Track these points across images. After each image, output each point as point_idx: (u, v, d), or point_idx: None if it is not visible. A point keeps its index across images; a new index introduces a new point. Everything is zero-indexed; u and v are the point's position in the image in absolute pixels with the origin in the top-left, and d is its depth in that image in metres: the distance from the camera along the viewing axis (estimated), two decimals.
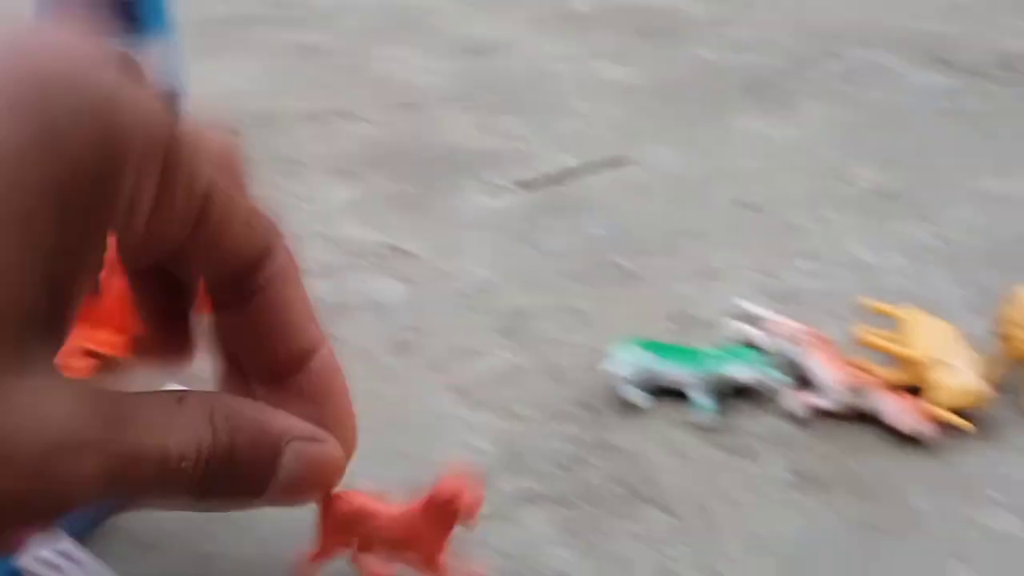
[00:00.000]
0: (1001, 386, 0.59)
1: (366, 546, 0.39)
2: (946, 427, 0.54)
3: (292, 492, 0.31)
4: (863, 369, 0.57)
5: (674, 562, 0.44)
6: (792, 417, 0.54)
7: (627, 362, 0.56)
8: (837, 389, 0.54)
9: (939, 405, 0.53)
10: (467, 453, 0.51)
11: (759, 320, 0.61)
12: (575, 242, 0.76)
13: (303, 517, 0.43)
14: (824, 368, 0.55)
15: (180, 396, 0.30)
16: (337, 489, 0.37)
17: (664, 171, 0.91)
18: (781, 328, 0.59)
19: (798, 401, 0.54)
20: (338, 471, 0.34)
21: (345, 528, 0.38)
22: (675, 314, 0.66)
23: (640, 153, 0.95)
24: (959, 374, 0.54)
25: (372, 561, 0.41)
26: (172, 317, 0.34)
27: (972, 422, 0.55)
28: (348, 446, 0.35)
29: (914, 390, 0.55)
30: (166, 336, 0.34)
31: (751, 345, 0.59)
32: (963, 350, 0.57)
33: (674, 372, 0.56)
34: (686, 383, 0.55)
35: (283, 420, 0.31)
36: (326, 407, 0.33)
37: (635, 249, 0.75)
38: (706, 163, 0.93)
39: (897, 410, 0.53)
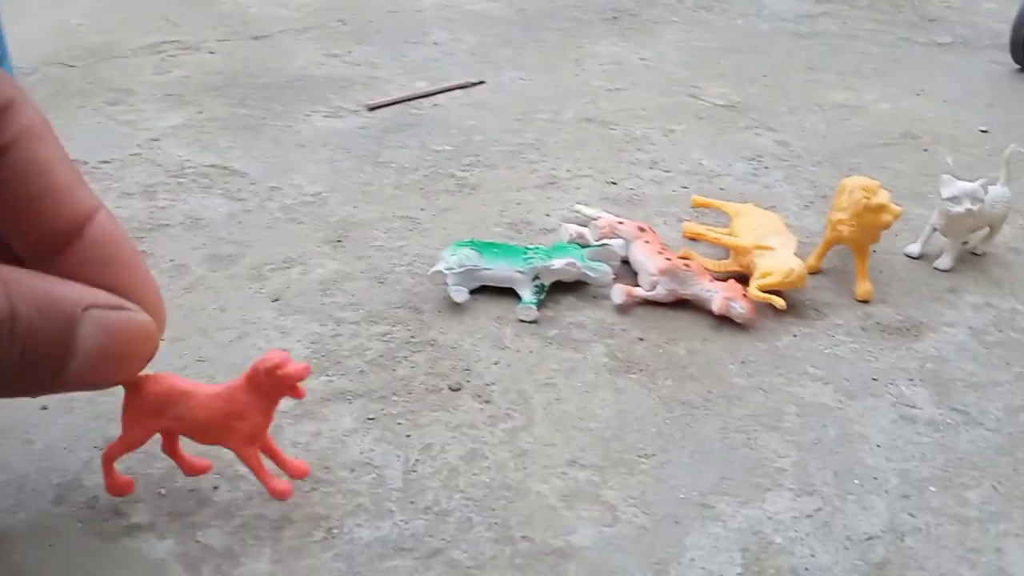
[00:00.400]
0: (825, 270, 0.60)
1: (181, 429, 0.36)
2: (767, 309, 0.55)
3: (100, 366, 0.29)
4: (688, 259, 0.57)
5: (485, 445, 0.43)
6: (615, 308, 0.54)
7: (452, 261, 0.54)
8: (659, 278, 0.54)
9: (760, 288, 0.54)
10: None
11: (591, 220, 0.60)
12: (416, 157, 0.74)
13: (84, 424, 0.41)
14: (646, 258, 0.55)
15: None
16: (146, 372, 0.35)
17: (515, 93, 0.89)
18: (608, 224, 0.58)
19: (620, 292, 0.54)
20: (149, 340, 0.31)
21: (157, 410, 0.36)
22: (514, 221, 0.64)
23: (493, 77, 0.93)
24: (780, 257, 0.55)
25: (187, 455, 0.39)
26: None
27: (793, 304, 0.56)
28: (157, 314, 0.32)
29: (744, 280, 0.56)
30: None
31: (580, 243, 0.58)
32: (788, 237, 0.58)
33: (498, 269, 0.54)
34: (511, 279, 0.54)
35: (76, 289, 0.28)
36: (119, 276, 0.30)
37: (477, 163, 0.73)
38: (558, 85, 0.92)
39: (716, 294, 0.53)
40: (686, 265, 0.54)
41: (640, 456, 0.43)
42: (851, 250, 0.58)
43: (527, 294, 0.54)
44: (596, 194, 0.69)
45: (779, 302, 0.53)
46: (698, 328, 0.53)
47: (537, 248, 0.56)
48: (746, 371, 0.49)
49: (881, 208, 0.55)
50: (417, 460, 0.41)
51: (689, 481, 0.41)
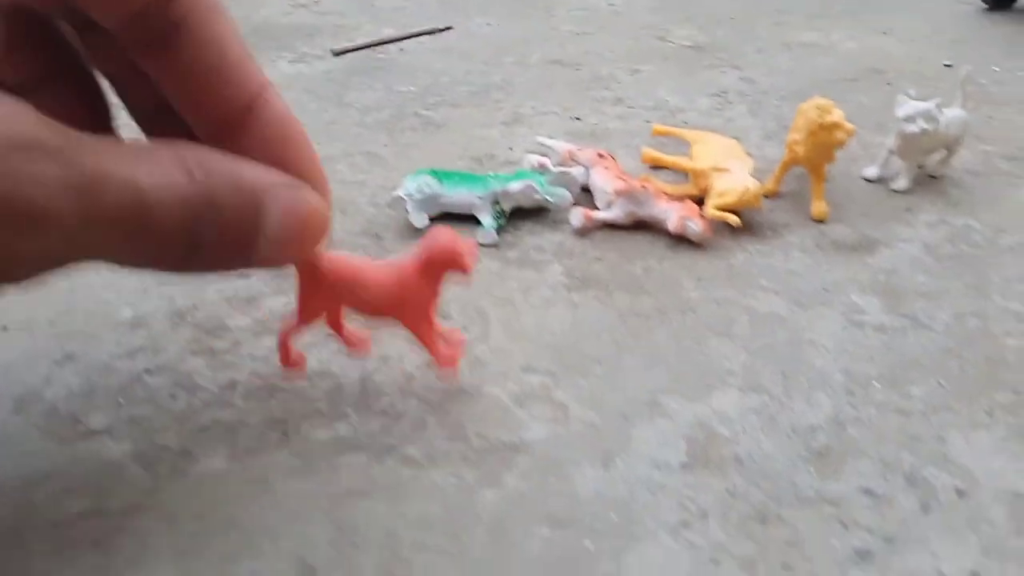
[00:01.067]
0: (783, 194, 0.61)
1: (354, 305, 0.38)
2: (724, 229, 0.55)
3: (282, 245, 0.29)
4: (647, 183, 0.57)
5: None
6: (575, 231, 0.55)
7: (411, 187, 0.55)
8: (615, 198, 0.55)
9: (716, 207, 0.54)
10: (231, 287, 0.49)
11: (552, 150, 0.61)
12: (381, 98, 0.74)
13: (44, 344, 0.41)
14: (604, 182, 0.56)
15: (144, 143, 0.26)
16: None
17: (483, 38, 0.90)
18: (567, 151, 0.59)
19: (579, 215, 0.55)
20: (323, 219, 0.31)
21: (330, 289, 0.37)
22: (477, 156, 0.65)
23: (461, 24, 0.93)
24: (736, 178, 0.56)
25: (350, 328, 0.41)
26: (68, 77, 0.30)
27: (750, 224, 0.56)
28: (325, 193, 0.32)
29: (702, 203, 0.56)
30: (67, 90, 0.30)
31: (541, 170, 0.59)
32: (746, 160, 0.59)
33: (459, 195, 0.55)
34: (471, 204, 0.55)
35: (258, 169, 0.28)
36: (290, 155, 0.30)
37: (443, 102, 0.74)
38: (527, 31, 0.92)
39: (672, 214, 0.54)
40: (643, 187, 0.55)
41: (593, 361, 0.43)
42: (808, 171, 0.59)
43: (487, 219, 0.54)
44: (560, 129, 0.70)
45: (734, 219, 0.54)
46: (655, 248, 0.54)
47: (497, 175, 0.56)
48: (700, 286, 0.50)
49: (835, 126, 0.56)
50: (375, 369, 0.42)
51: (640, 383, 0.42)
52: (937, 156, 0.64)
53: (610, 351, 0.44)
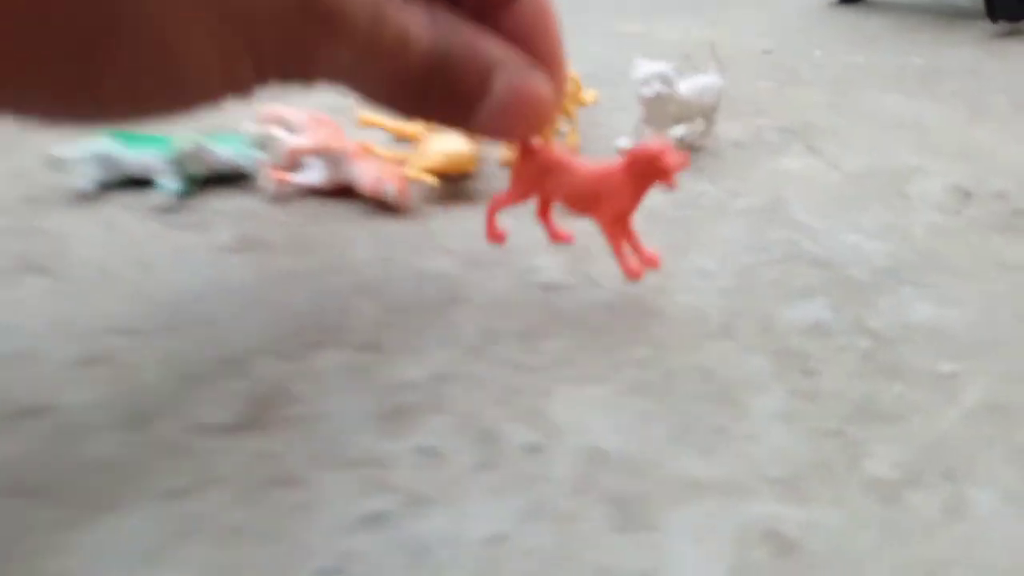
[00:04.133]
0: (504, 161, 0.57)
1: (558, 196, 0.40)
2: (440, 197, 0.51)
3: (500, 119, 0.31)
4: (366, 149, 0.53)
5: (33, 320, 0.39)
6: (272, 196, 0.50)
7: (83, 149, 0.50)
8: (309, 157, 0.50)
9: (423, 168, 0.50)
10: None
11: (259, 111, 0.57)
12: None
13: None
14: (304, 145, 0.52)
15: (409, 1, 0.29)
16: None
17: None
18: (273, 112, 0.54)
19: (273, 179, 0.50)
20: (547, 109, 0.33)
21: (541, 176, 0.40)
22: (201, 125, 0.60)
23: None
24: (451, 140, 0.52)
25: (556, 222, 0.44)
26: None
27: (472, 193, 0.52)
28: (559, 89, 0.34)
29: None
30: None
31: (244, 134, 0.55)
32: None
33: (138, 158, 0.50)
34: (151, 168, 0.50)
35: (497, 46, 0.31)
36: (540, 46, 0.33)
37: None
38: None
39: (368, 176, 0.49)
40: (337, 147, 0.51)
41: (205, 322, 0.39)
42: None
43: (169, 182, 0.50)
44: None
45: (431, 179, 0.49)
46: (352, 213, 0.50)
47: (189, 136, 0.52)
48: (376, 247, 0.46)
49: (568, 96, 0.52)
50: None
51: (238, 341, 0.37)
52: (697, 128, 0.61)
53: (225, 309, 0.40)
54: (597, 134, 0.63)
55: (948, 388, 0.35)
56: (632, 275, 0.40)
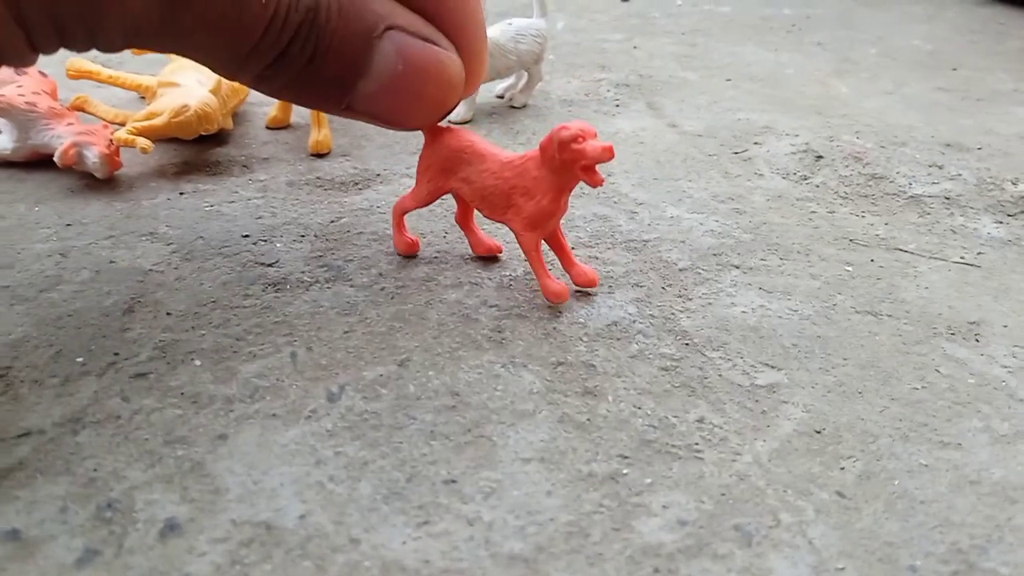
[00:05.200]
0: (300, 124, 0.47)
1: (467, 194, 0.32)
2: (186, 163, 0.41)
3: (389, 95, 0.27)
4: (82, 108, 0.42)
5: None
6: None
7: None
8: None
9: (138, 130, 0.39)
10: None
11: None
12: None
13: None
14: None
15: None
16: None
17: None
18: None
19: None
20: (449, 86, 0.28)
21: (449, 167, 0.32)
22: None
23: None
24: (184, 95, 0.41)
25: (480, 231, 0.35)
26: None
27: (219, 161, 0.42)
28: (472, 65, 0.28)
29: None
30: None
31: None
32: (215, 77, 0.44)
33: None
34: None
35: (388, 7, 0.26)
36: (446, 12, 0.27)
37: None
38: None
39: (65, 141, 0.38)
40: (31, 105, 0.39)
41: None
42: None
43: None
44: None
45: (143, 143, 0.39)
46: (42, 189, 0.39)
47: None
48: (60, 235, 0.35)
49: None
50: None
51: None
52: (519, 84, 0.52)
53: None
54: None
55: (763, 407, 0.27)
56: (556, 297, 0.32)
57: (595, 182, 0.29)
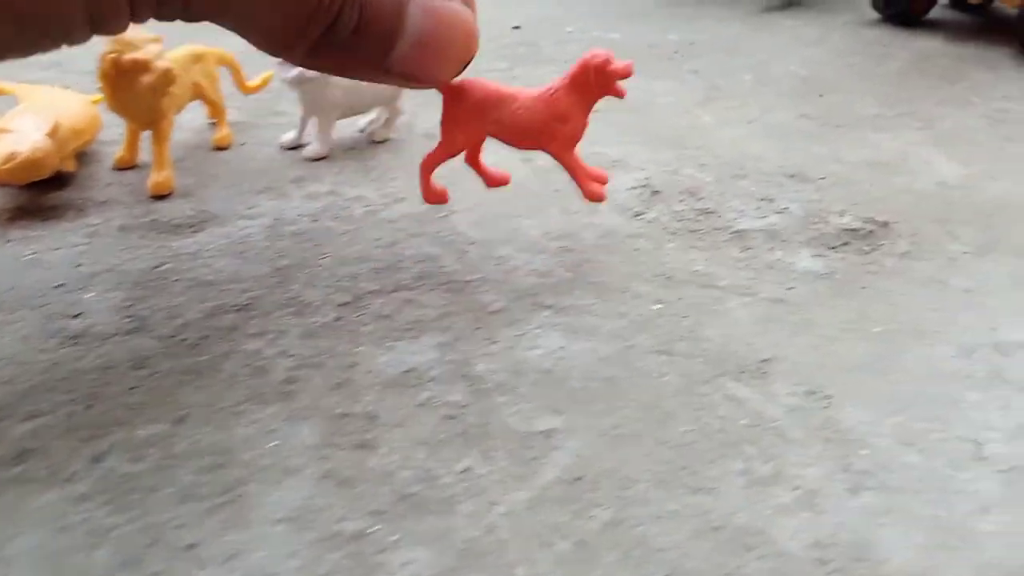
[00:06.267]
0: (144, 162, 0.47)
1: (501, 134, 0.37)
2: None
3: (423, 54, 0.29)
4: None
5: None
6: None
7: None
8: None
9: None
10: None
11: None
12: None
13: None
14: None
15: None
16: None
17: None
18: None
19: None
20: (470, 37, 0.31)
21: (478, 114, 0.36)
22: None
23: None
24: (15, 140, 0.41)
25: (489, 167, 0.40)
26: None
27: (53, 205, 0.42)
28: (475, 18, 0.31)
29: None
30: None
31: None
32: (63, 119, 0.43)
33: None
34: None
35: None
36: None
37: None
38: None
39: None
40: None
41: None
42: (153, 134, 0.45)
43: None
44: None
45: None
46: None
47: None
48: None
49: (138, 67, 0.41)
50: None
51: None
52: (379, 118, 0.52)
53: None
54: (259, 128, 0.53)
55: (533, 454, 0.28)
56: (596, 197, 0.38)
57: (623, 94, 0.37)
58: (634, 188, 0.47)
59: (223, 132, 0.51)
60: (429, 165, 0.38)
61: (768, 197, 0.45)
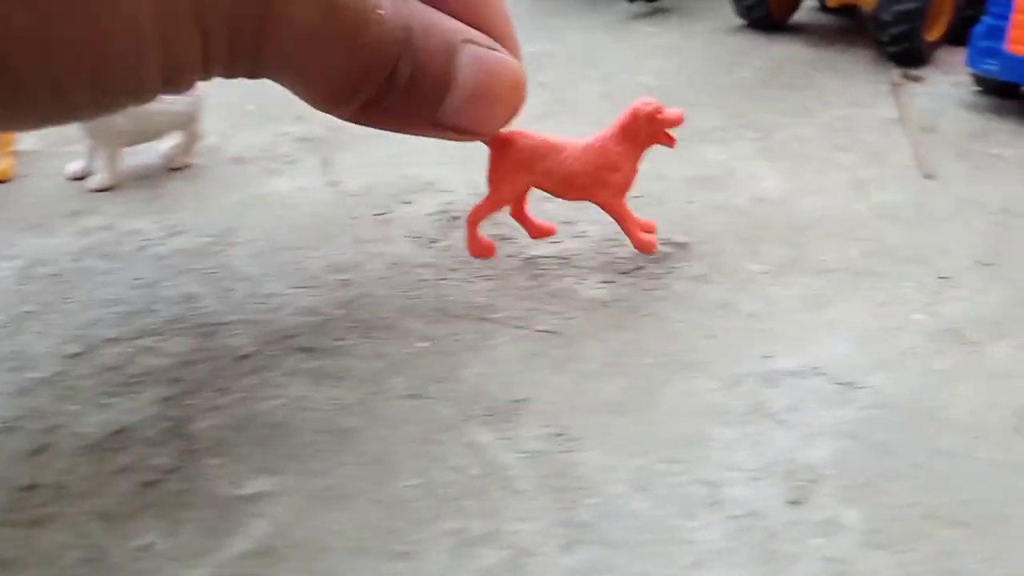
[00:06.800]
0: None
1: (550, 185, 0.37)
2: None
3: (474, 105, 0.28)
4: None
5: None
6: None
7: None
8: None
9: None
10: None
11: None
12: None
13: None
14: None
15: None
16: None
17: None
18: None
19: None
20: (519, 87, 0.30)
21: (527, 165, 0.36)
22: None
23: None
24: None
25: (534, 218, 0.40)
26: None
27: None
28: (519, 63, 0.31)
29: None
30: None
31: None
32: None
33: None
34: None
35: (456, 22, 0.28)
36: (491, 20, 0.29)
37: None
38: None
39: None
40: None
41: None
42: None
43: None
44: None
45: None
46: None
47: None
48: None
49: None
50: None
51: None
52: (175, 144, 0.49)
53: None
54: (49, 157, 0.50)
55: (229, 524, 0.26)
56: (647, 248, 0.39)
57: (673, 143, 0.37)
58: (432, 214, 0.45)
59: (5, 163, 0.47)
60: (476, 218, 0.38)
61: (569, 220, 0.44)
